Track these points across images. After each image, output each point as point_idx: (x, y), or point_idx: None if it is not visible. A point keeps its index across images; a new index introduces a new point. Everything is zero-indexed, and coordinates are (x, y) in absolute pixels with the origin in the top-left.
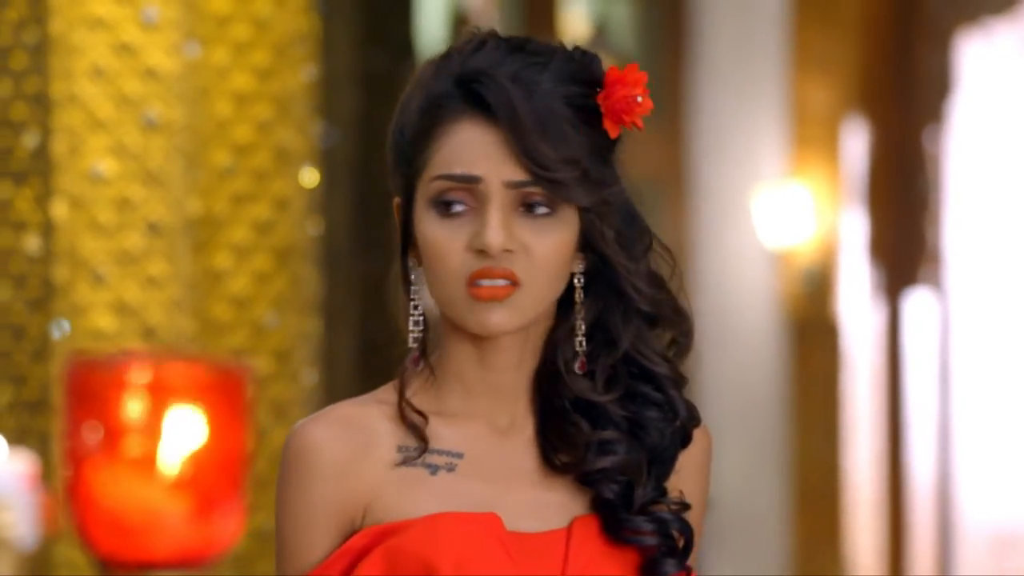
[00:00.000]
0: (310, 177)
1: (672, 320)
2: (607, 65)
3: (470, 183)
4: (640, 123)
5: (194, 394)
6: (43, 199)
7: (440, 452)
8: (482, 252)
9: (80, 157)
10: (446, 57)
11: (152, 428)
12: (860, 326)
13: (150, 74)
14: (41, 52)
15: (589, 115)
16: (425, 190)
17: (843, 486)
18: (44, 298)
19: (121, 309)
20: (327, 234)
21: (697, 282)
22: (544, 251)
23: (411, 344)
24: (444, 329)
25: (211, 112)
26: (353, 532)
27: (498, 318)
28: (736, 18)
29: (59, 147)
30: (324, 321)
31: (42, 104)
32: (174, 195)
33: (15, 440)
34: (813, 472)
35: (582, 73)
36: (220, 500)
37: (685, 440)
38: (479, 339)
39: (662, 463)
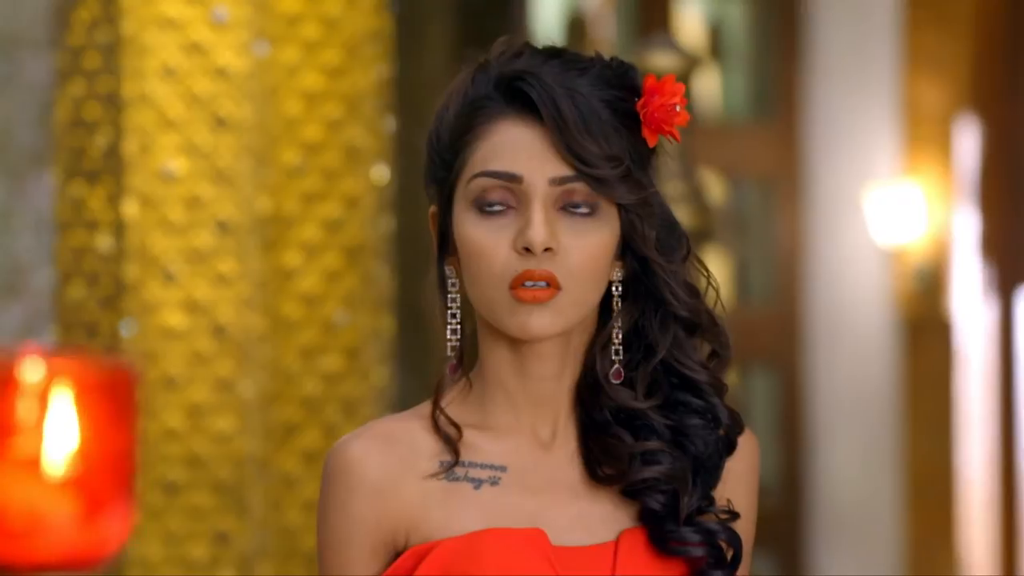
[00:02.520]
0: (380, 175)
1: (710, 330)
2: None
3: (511, 181)
4: (677, 134)
5: (80, 393)
6: (115, 198)
7: (484, 466)
8: (526, 251)
9: (151, 156)
10: (483, 64)
11: (37, 428)
12: (972, 324)
13: (220, 73)
14: (113, 52)
15: (629, 120)
16: (465, 191)
17: (956, 484)
18: (115, 296)
19: (192, 307)
20: (402, 232)
21: (810, 281)
22: (584, 252)
23: (448, 353)
24: (483, 338)
25: (281, 111)
26: (396, 552)
27: (540, 321)
28: (849, 18)
29: (130, 146)
30: (397, 319)
31: (114, 104)
32: (244, 194)
33: None
34: (926, 470)
35: (620, 80)
36: (107, 501)
37: (730, 448)
38: (519, 347)
39: (708, 472)
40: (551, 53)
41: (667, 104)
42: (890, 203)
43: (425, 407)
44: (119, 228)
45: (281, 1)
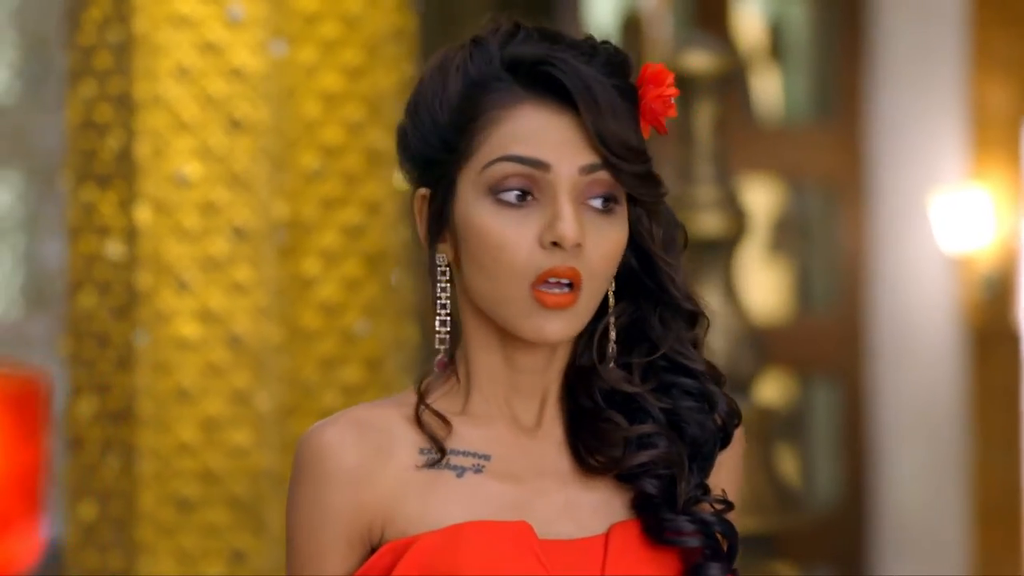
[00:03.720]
0: (402, 179)
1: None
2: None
3: (537, 168)
4: (665, 127)
5: None
6: (127, 203)
7: (466, 453)
8: (554, 246)
9: (164, 160)
10: (477, 41)
11: None
12: None
13: (236, 74)
14: (125, 52)
15: (635, 109)
16: (479, 177)
17: None
18: (128, 305)
19: (206, 317)
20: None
21: (874, 289)
22: (607, 249)
23: (437, 346)
24: (468, 327)
25: (299, 113)
26: (371, 544)
27: (557, 326)
28: (914, 18)
29: (143, 149)
30: (420, 329)
31: (126, 105)
32: (260, 199)
33: (102, 450)
34: (993, 484)
35: (623, 68)
36: (14, 519)
37: (726, 438)
38: (508, 340)
39: (703, 458)
40: (550, 35)
41: (664, 95)
42: (956, 209)
43: (407, 396)
44: (131, 235)
45: None
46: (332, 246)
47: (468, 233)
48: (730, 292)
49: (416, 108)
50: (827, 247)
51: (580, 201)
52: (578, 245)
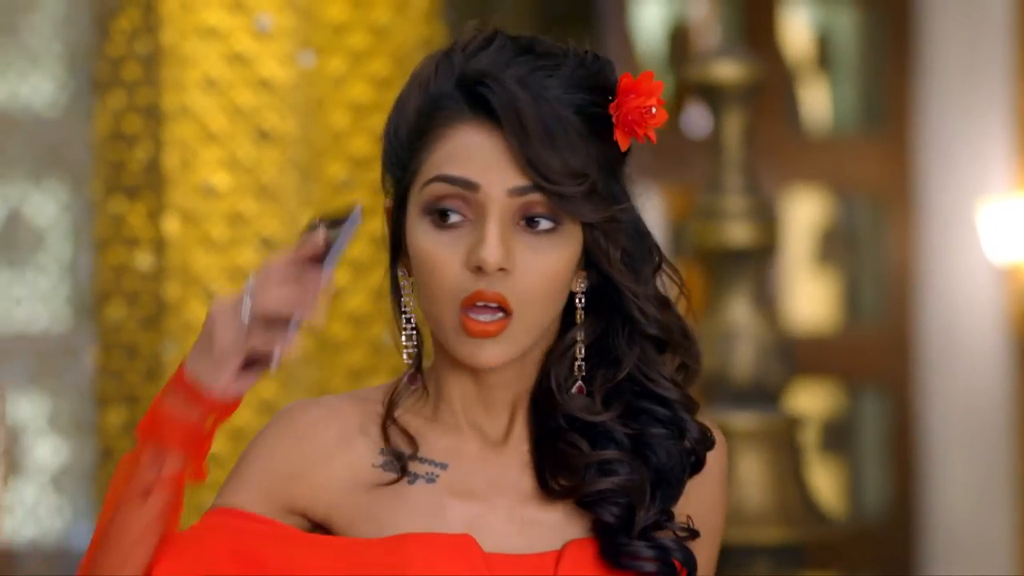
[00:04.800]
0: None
1: (680, 344)
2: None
3: (467, 189)
4: (653, 136)
5: None
6: (155, 214)
7: (423, 460)
8: (478, 269)
9: (192, 171)
10: (448, 54)
11: None
12: None
13: (264, 85)
14: (153, 63)
15: (600, 125)
16: (418, 196)
17: None
18: (156, 316)
19: None
20: None
21: (922, 299)
22: (542, 272)
23: (405, 360)
24: (436, 341)
25: (327, 123)
26: (303, 517)
27: (489, 355)
28: (963, 26)
29: (171, 161)
30: None
31: (154, 116)
32: (288, 210)
33: None
34: None
35: (593, 80)
36: None
37: (697, 465)
38: None
39: (669, 485)
40: (522, 47)
41: (642, 106)
42: (1004, 219)
43: (379, 392)
44: (159, 246)
45: (327, 9)
46: (360, 257)
47: (412, 253)
48: (759, 302)
49: (388, 121)
50: (875, 257)
51: (514, 222)
52: (503, 270)
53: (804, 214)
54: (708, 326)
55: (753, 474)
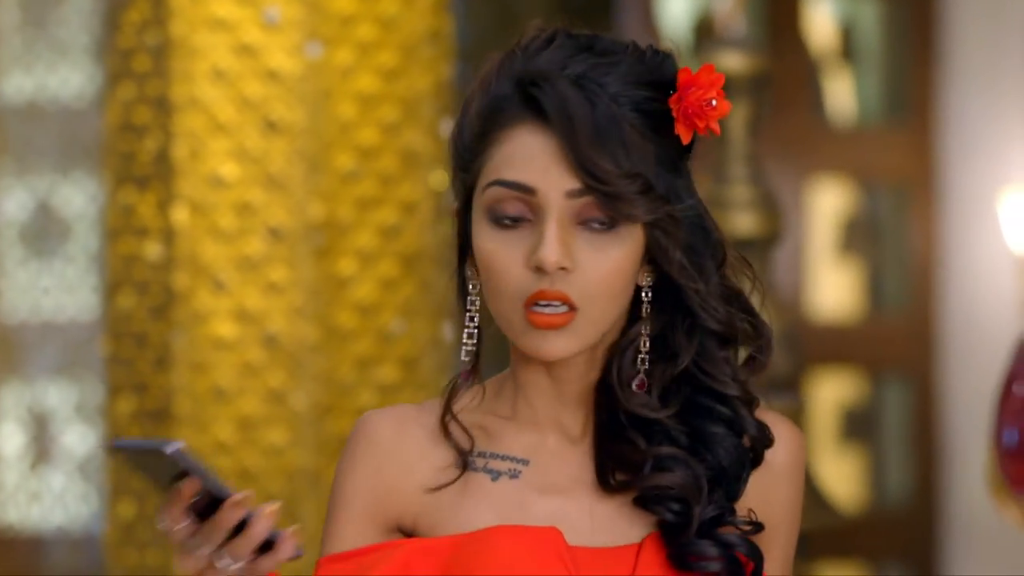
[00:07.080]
0: (438, 180)
1: (748, 336)
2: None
3: (524, 192)
4: (716, 128)
5: None
6: (164, 204)
7: (505, 457)
8: (539, 269)
9: (201, 161)
10: (510, 55)
11: None
12: None
13: (272, 76)
14: (162, 54)
15: (660, 121)
16: (480, 199)
17: None
18: (165, 305)
19: (242, 316)
20: None
21: (944, 288)
22: (602, 270)
23: (463, 358)
24: (509, 340)
25: (335, 114)
26: (401, 530)
27: (555, 346)
28: (986, 17)
29: (180, 151)
30: (456, 329)
31: (164, 108)
32: (296, 200)
33: None
34: None
35: (653, 75)
36: None
37: (756, 461)
38: None
39: (729, 482)
40: (581, 45)
41: (703, 98)
42: None
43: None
44: (168, 235)
45: (335, 1)
46: (368, 246)
47: (476, 252)
48: (765, 291)
49: (456, 122)
50: (898, 247)
51: (576, 222)
52: (563, 269)
53: (828, 204)
54: None
55: None
